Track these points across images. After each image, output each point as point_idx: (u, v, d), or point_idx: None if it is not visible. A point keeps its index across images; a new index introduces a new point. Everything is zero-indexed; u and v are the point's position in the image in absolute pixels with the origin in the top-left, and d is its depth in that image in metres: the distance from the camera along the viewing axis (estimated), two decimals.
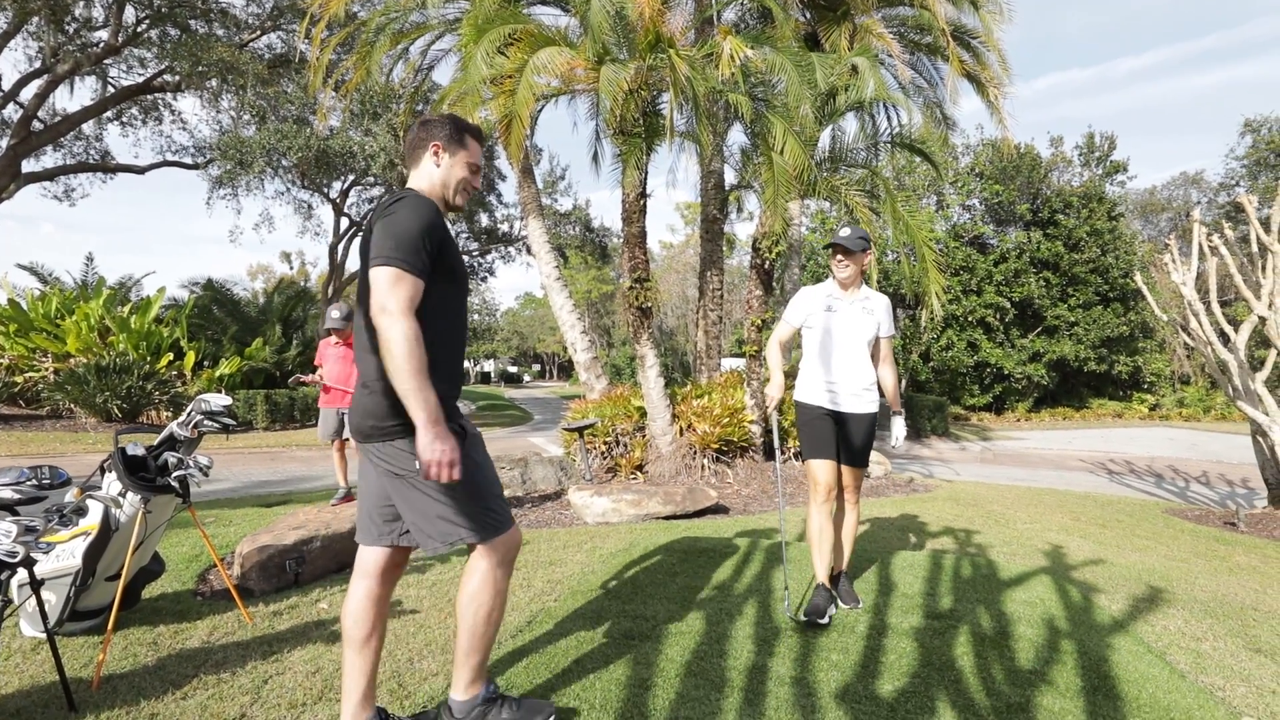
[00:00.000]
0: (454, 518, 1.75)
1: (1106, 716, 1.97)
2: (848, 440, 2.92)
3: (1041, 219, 21.17)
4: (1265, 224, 6.69)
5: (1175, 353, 21.98)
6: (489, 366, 70.83)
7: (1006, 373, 20.78)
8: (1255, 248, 6.76)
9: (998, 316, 20.88)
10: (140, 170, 16.71)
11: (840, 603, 2.89)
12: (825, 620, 2.68)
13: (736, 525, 4.86)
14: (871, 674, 2.23)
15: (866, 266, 3.00)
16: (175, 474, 2.56)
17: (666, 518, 5.27)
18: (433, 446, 1.57)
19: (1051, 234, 20.79)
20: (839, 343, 2.91)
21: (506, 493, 6.65)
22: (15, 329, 13.80)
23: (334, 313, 5.38)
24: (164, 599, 3.07)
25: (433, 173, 1.86)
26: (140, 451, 2.64)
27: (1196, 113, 72.50)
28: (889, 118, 8.95)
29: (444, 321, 1.78)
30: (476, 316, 61.92)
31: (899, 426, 3.04)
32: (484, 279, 23.07)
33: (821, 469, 2.92)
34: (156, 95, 15.89)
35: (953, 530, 4.83)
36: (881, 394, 3.04)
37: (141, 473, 2.59)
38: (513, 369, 71.08)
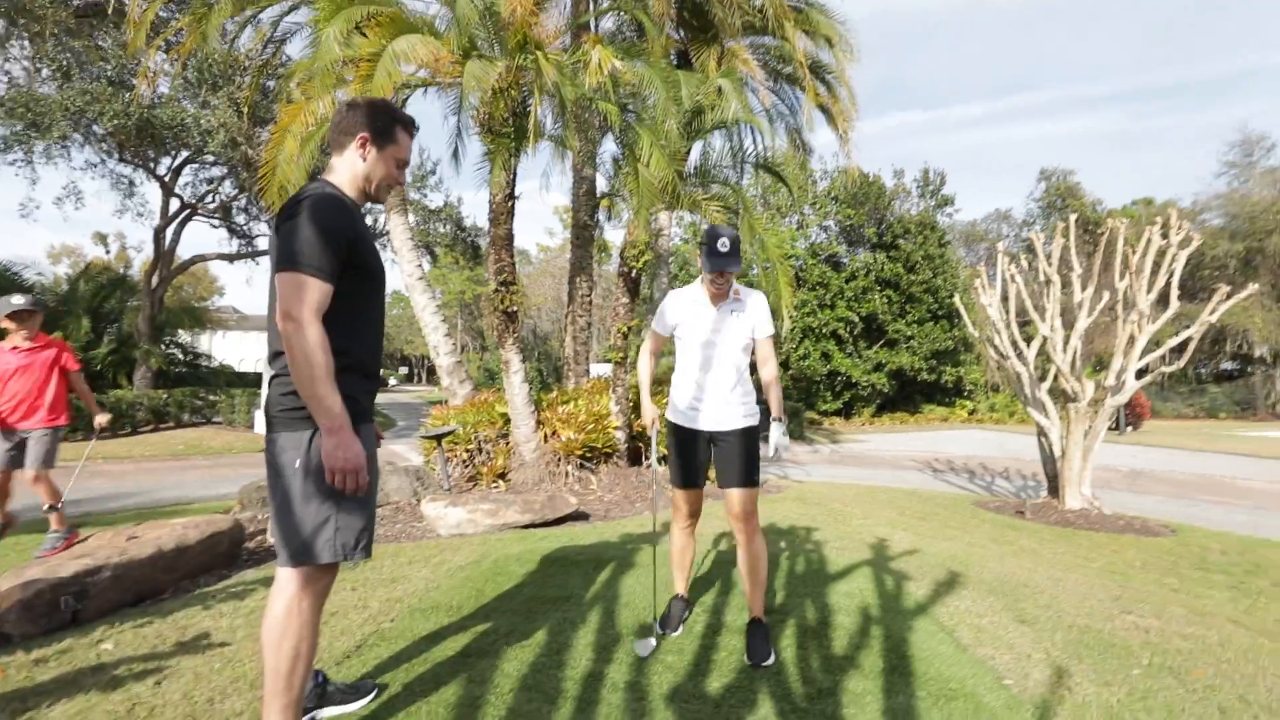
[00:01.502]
0: (282, 529, 1.64)
1: (900, 692, 2.19)
2: (727, 461, 2.63)
3: (885, 242, 23.54)
4: (1050, 258, 7.91)
5: (989, 365, 25.38)
6: None
7: (854, 381, 22.81)
8: (1042, 278, 7.97)
9: (848, 329, 22.90)
10: None
11: (748, 657, 2.45)
12: (675, 632, 2.71)
13: (594, 533, 4.88)
14: (702, 673, 2.32)
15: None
16: None
17: (525, 526, 5.17)
18: (335, 454, 1.55)
19: (894, 256, 23.17)
20: (709, 352, 2.66)
21: None
22: None
23: (16, 298, 4.17)
24: None
25: (356, 164, 1.78)
26: None
27: (1009, 157, 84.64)
28: (754, 140, 9.53)
29: (361, 320, 1.72)
30: None
31: (777, 434, 2.67)
32: None
33: (684, 497, 2.75)
34: None
35: (795, 529, 5.19)
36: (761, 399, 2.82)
37: None
38: None
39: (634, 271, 7.75)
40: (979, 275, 8.78)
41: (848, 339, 23.10)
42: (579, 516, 5.67)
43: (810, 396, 23.32)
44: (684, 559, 2.92)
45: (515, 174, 6.85)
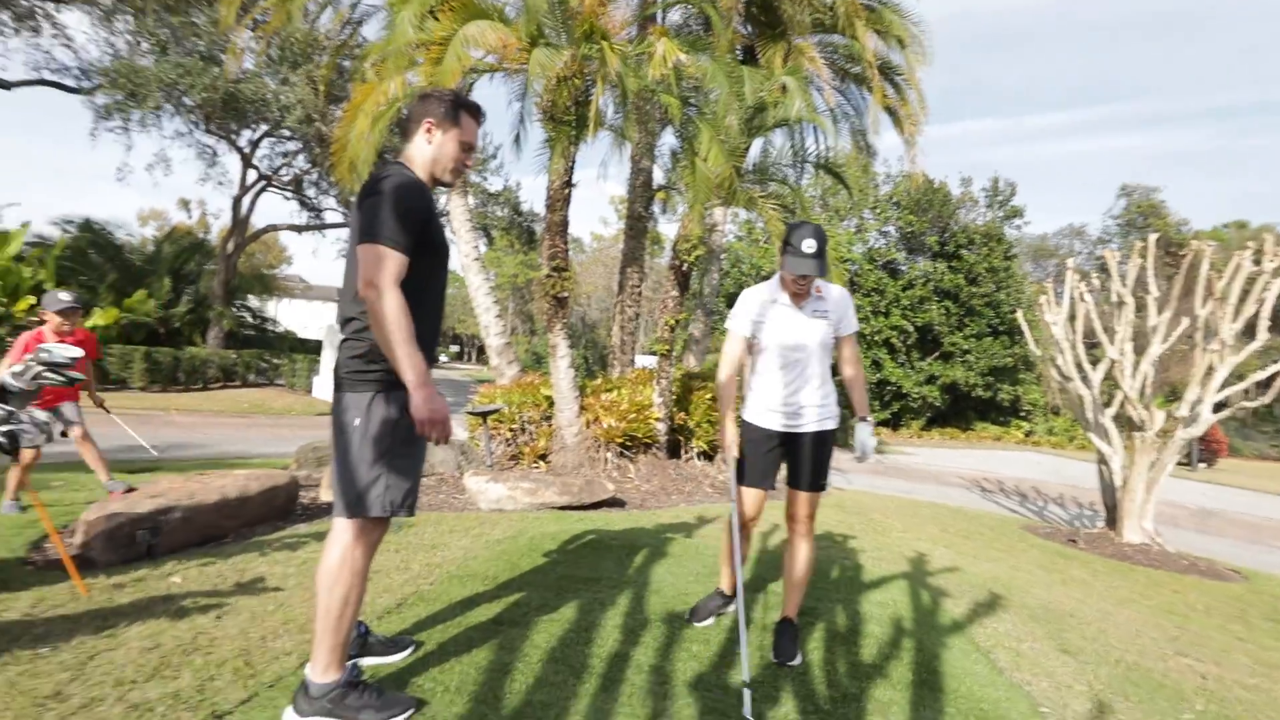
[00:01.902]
0: (340, 482, 1.78)
1: (928, 706, 2.16)
2: (801, 463, 2.55)
3: (947, 251, 22.75)
4: (1124, 278, 7.50)
5: (1049, 386, 24.29)
6: None
7: (905, 392, 22.20)
8: (1115, 298, 7.57)
9: (901, 339, 22.28)
10: (6, 86, 14.78)
11: (774, 654, 2.44)
12: (705, 623, 2.70)
13: (629, 520, 4.93)
14: (727, 665, 2.34)
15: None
16: (2, 429, 2.31)
17: (562, 508, 5.27)
18: (422, 406, 1.67)
19: (955, 266, 22.39)
20: (792, 355, 2.53)
21: None
22: None
23: (64, 295, 4.38)
24: None
25: (424, 149, 1.92)
26: None
27: (1087, 171, 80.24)
28: (816, 139, 9.35)
29: (427, 293, 1.86)
30: None
31: (865, 434, 2.58)
32: None
33: (749, 497, 2.61)
34: (34, 2, 14.11)
35: (832, 535, 5.12)
36: (845, 401, 2.69)
37: None
38: None
39: (685, 265, 7.74)
40: (1045, 292, 8.41)
41: (900, 348, 22.48)
42: (615, 503, 5.74)
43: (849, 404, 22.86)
44: (735, 557, 2.71)
45: (574, 162, 6.93)
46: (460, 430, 10.32)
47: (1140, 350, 7.39)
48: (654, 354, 8.58)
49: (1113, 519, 7.44)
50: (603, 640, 2.43)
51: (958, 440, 22.92)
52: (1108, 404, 7.68)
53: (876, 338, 22.11)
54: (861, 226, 23.55)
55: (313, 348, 19.82)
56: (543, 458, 7.41)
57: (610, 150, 7.46)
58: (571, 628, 2.51)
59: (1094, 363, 7.81)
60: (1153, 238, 7.49)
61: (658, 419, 7.69)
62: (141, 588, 2.62)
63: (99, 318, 14.54)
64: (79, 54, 15.45)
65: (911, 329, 22.17)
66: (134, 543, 3.00)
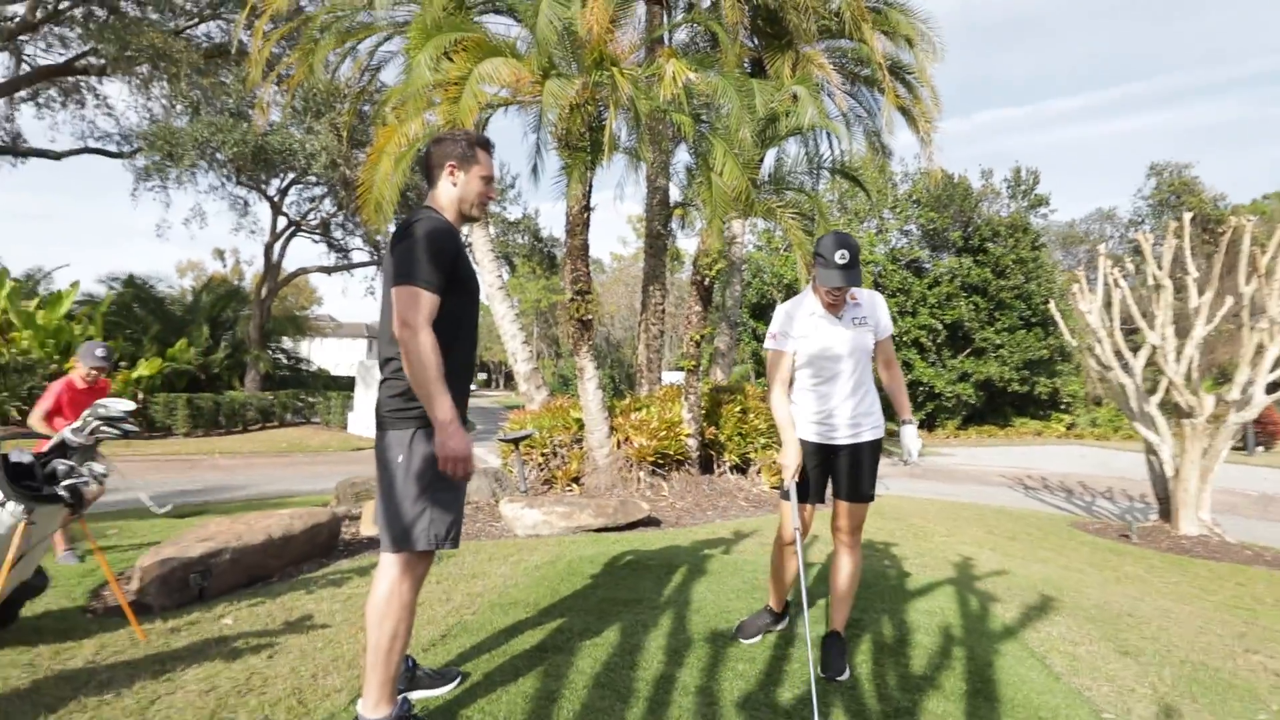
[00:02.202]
0: (385, 518, 1.85)
1: (983, 717, 2.10)
2: (845, 475, 2.50)
3: (972, 246, 22.37)
4: (1160, 260, 7.29)
5: (1089, 375, 23.55)
6: None
7: (937, 391, 21.75)
8: (1151, 281, 7.35)
9: (930, 338, 21.89)
10: (56, 156, 15.67)
11: (821, 669, 2.40)
12: (749, 641, 2.68)
13: (665, 539, 4.91)
14: (774, 682, 2.31)
15: None
16: (65, 483, 2.42)
17: (598, 530, 5.28)
18: (446, 444, 1.72)
19: (981, 260, 21.98)
20: (836, 366, 2.47)
21: None
22: None
23: (99, 351, 4.35)
24: (48, 617, 2.88)
25: (449, 190, 2.00)
26: (26, 458, 2.49)
27: (1114, 153, 78.29)
28: (830, 144, 9.34)
29: (460, 330, 1.94)
30: None
31: (910, 437, 2.52)
32: None
33: (795, 512, 2.48)
34: (79, 78, 14.98)
35: (872, 544, 5.03)
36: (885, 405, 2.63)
37: (26, 481, 2.44)
38: None
39: (707, 280, 7.76)
40: (1077, 280, 8.21)
41: (930, 347, 22.07)
42: (651, 522, 5.73)
43: (889, 408, 22.43)
44: (783, 574, 2.71)
45: (591, 186, 7.04)
46: (493, 458, 10.42)
47: (1183, 334, 7.15)
48: (680, 369, 8.60)
49: (1166, 511, 7.16)
50: (647, 663, 2.43)
51: (996, 438, 22.33)
52: (1152, 391, 7.42)
53: (905, 338, 21.76)
54: (882, 227, 23.32)
55: (345, 384, 20.31)
56: (576, 481, 7.44)
57: (626, 172, 7.58)
58: (615, 651, 2.51)
59: (1134, 349, 7.58)
60: (1187, 216, 7.27)
61: (688, 435, 7.68)
62: (196, 630, 2.71)
63: (144, 368, 15.12)
64: (120, 121, 16.37)
65: (940, 327, 21.77)
66: (187, 586, 3.10)
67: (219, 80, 13.06)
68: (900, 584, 3.62)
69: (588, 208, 7.15)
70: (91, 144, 16.16)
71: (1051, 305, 9.30)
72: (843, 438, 2.50)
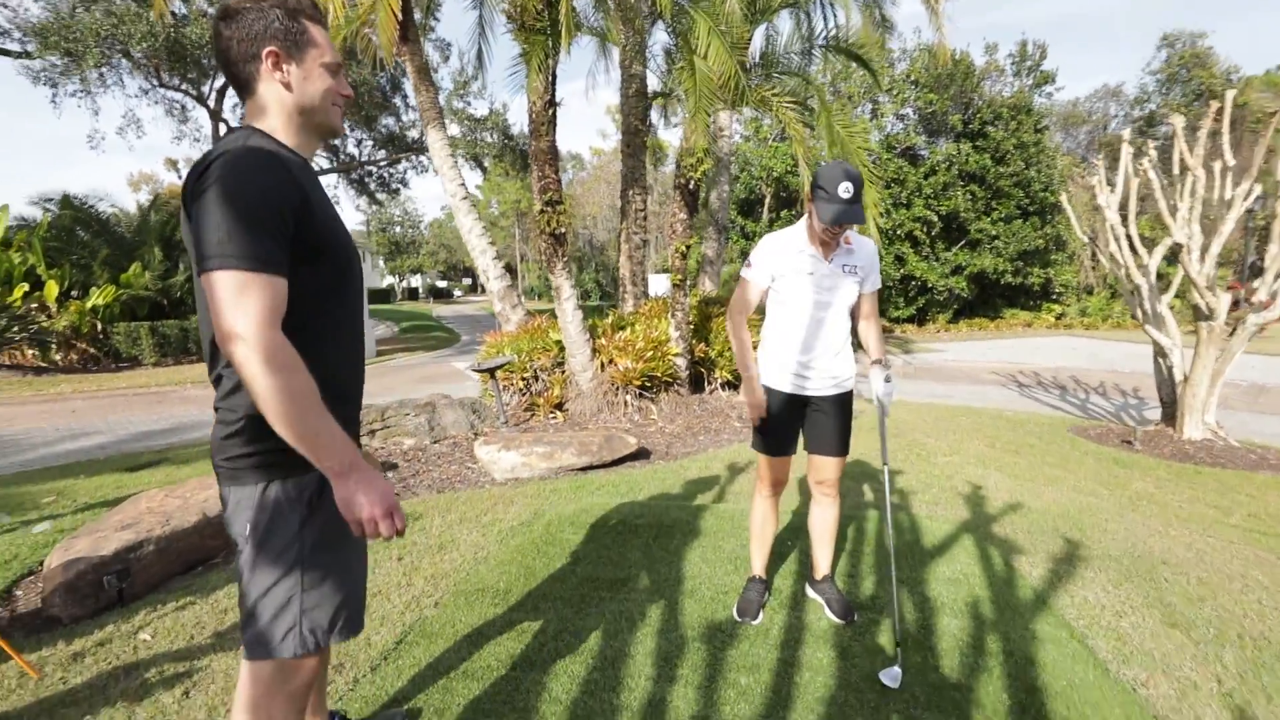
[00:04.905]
0: (241, 612, 1.25)
1: None
2: (820, 427, 2.40)
3: (972, 130, 21.04)
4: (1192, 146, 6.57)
5: (1083, 265, 23.07)
6: (416, 282, 67.65)
7: (930, 285, 21.28)
8: (1177, 169, 6.68)
9: (925, 230, 21.08)
10: None
11: (829, 612, 2.46)
12: (756, 621, 2.44)
13: (655, 479, 4.56)
14: (783, 701, 1.97)
15: None
16: None
17: (582, 469, 4.93)
18: (355, 499, 1.12)
19: (980, 146, 20.75)
20: (813, 312, 2.30)
21: (409, 443, 6.12)
22: None
23: None
24: None
25: (281, 96, 1.24)
26: None
27: (1121, 22, 73.19)
28: (825, 18, 8.21)
29: (327, 322, 1.24)
30: (399, 229, 57.95)
31: (880, 381, 2.31)
32: (395, 191, 21.11)
33: (774, 466, 2.45)
34: None
35: (875, 473, 4.72)
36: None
37: None
38: (442, 284, 68.12)
39: (692, 183, 6.98)
40: (1092, 171, 7.49)
41: (924, 240, 21.31)
42: (639, 456, 5.38)
43: (882, 303, 22.00)
44: (765, 534, 2.60)
45: (555, 77, 6.08)
46: (472, 388, 9.94)
47: (1208, 231, 6.58)
48: (666, 272, 7.98)
49: (1170, 415, 6.93)
50: (633, 678, 2.07)
51: (987, 330, 22.19)
52: (1164, 291, 6.97)
53: (899, 231, 20.95)
54: (877, 111, 21.76)
55: None
56: (559, 407, 7.05)
57: (597, 58, 6.57)
58: (595, 663, 2.15)
59: (1148, 245, 7.03)
60: (1230, 94, 6.46)
61: (676, 354, 7.22)
62: (104, 654, 2.30)
63: (98, 297, 14.21)
64: (16, 11, 14.26)
65: (935, 219, 20.90)
66: (102, 590, 2.68)
67: None
68: (915, 538, 3.29)
69: (552, 103, 6.22)
70: None
71: (1064, 199, 8.59)
72: (817, 389, 2.37)
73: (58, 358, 13.82)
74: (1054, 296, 23.42)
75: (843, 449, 2.43)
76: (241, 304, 1.05)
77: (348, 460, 1.11)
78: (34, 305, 13.49)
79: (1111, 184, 7.26)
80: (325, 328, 1.25)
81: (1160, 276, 7.12)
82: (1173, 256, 6.79)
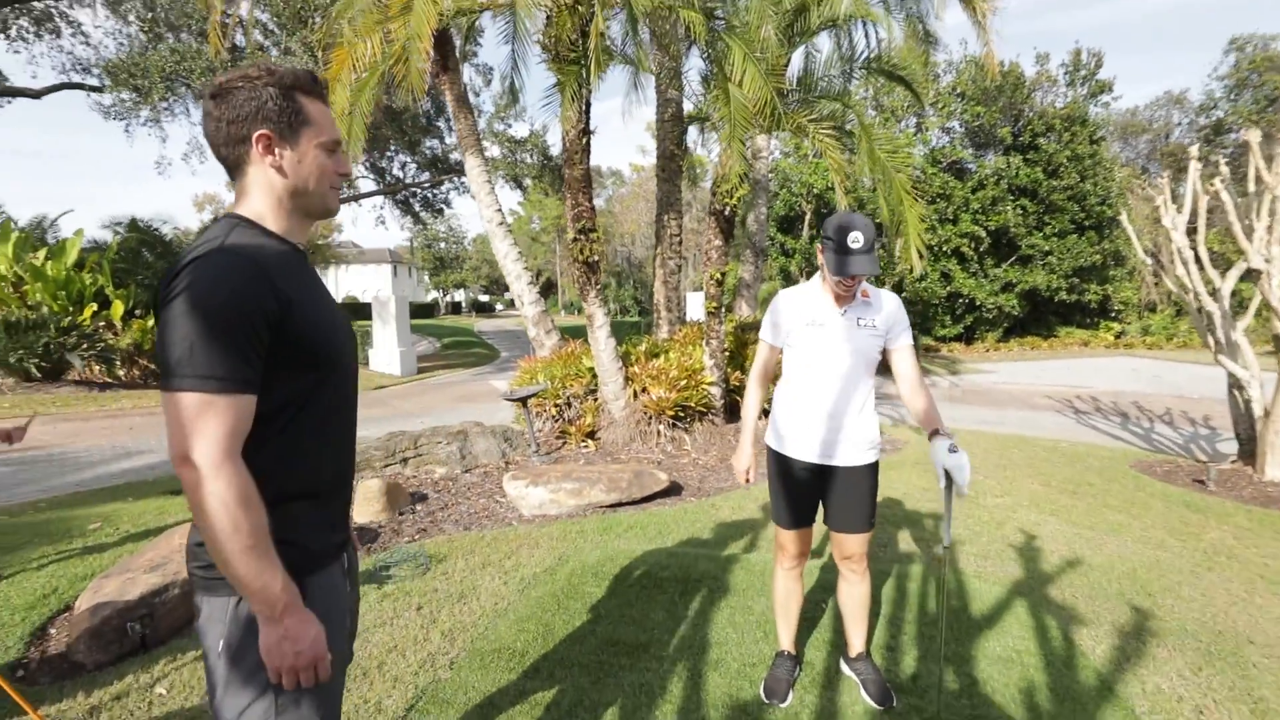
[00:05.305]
0: None
1: None
2: (842, 499, 2.21)
3: (1022, 143, 20.32)
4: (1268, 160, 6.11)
5: (1145, 281, 21.90)
6: (459, 296, 69.16)
7: (978, 303, 20.53)
8: (1253, 186, 6.21)
9: (973, 246, 20.38)
10: (36, 94, 14.77)
11: (865, 694, 2.27)
12: (784, 703, 2.26)
13: (685, 519, 4.41)
14: None
15: None
16: None
17: (611, 506, 4.81)
18: (279, 647, 1.07)
19: (1031, 159, 20.01)
20: (832, 369, 2.14)
21: (440, 471, 6.10)
22: None
23: None
24: None
25: (272, 181, 1.16)
26: None
27: (1186, 25, 70.05)
28: (867, 35, 8.00)
29: (310, 419, 1.17)
30: (443, 245, 59.55)
31: (942, 451, 1.94)
32: (439, 211, 21.65)
33: (793, 538, 2.30)
34: (48, 3, 13.81)
35: (919, 517, 4.46)
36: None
37: None
38: (484, 298, 69.48)
39: (727, 210, 6.85)
40: (1154, 185, 7.04)
41: (972, 256, 20.59)
42: (670, 492, 5.23)
43: (926, 321, 21.33)
44: (790, 608, 2.44)
45: (589, 105, 6.07)
46: (506, 412, 9.94)
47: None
48: (701, 290, 7.83)
49: (1249, 452, 6.40)
50: None
51: (1039, 350, 21.24)
52: (1237, 315, 6.47)
53: (945, 248, 20.31)
54: (922, 125, 21.23)
55: (364, 312, 19.88)
56: (591, 435, 6.96)
57: (631, 85, 6.54)
58: None
59: (1218, 265, 6.56)
60: None
61: (711, 383, 7.06)
62: (119, 710, 2.28)
63: None
64: (98, 49, 15.21)
65: (984, 234, 20.19)
66: (125, 636, 2.69)
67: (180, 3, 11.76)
68: (961, 603, 3.04)
69: (586, 131, 6.21)
70: (74, 77, 15.16)
71: (1123, 217, 8.12)
72: (836, 457, 2.19)
73: (121, 373, 14.51)
74: (1113, 314, 22.27)
75: (867, 524, 2.25)
76: (198, 428, 0.99)
77: (280, 605, 1.05)
78: (101, 324, 14.23)
79: (1178, 202, 6.81)
80: (311, 426, 1.17)
81: (1233, 293, 6.62)
82: (1246, 273, 6.31)
